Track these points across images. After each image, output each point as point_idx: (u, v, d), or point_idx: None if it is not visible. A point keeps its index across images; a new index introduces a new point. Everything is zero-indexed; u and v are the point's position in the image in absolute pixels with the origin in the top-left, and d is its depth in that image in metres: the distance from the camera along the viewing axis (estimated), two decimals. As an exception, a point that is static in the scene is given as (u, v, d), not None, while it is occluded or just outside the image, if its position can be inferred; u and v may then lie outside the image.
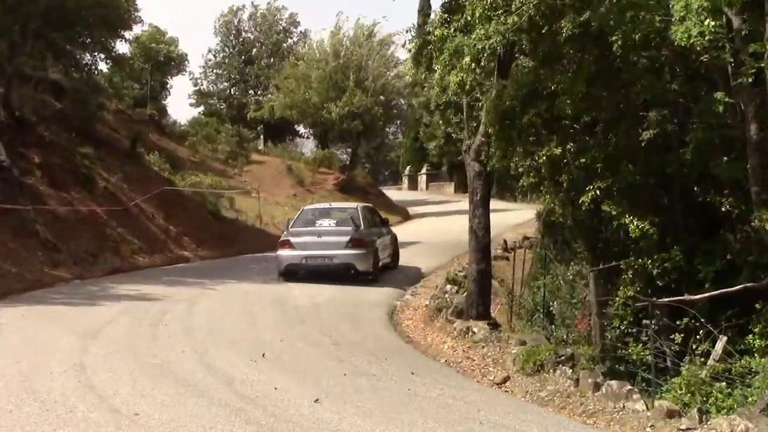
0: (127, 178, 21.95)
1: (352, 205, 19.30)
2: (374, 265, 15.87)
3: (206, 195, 25.41)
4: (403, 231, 29.22)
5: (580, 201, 10.71)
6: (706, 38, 8.27)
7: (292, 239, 15.84)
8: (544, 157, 10.40)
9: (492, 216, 11.91)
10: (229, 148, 37.80)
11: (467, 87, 11.03)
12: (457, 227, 20.94)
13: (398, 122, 50.25)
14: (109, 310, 11.62)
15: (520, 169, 11.90)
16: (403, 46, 12.54)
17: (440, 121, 38.52)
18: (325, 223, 16.20)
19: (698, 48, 8.52)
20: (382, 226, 18.08)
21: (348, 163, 43.51)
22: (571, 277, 13.03)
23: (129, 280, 15.17)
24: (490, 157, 11.28)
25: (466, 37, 10.06)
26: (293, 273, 15.70)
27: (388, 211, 36.82)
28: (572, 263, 13.57)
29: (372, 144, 61.05)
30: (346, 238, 15.56)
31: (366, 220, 16.79)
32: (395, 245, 18.39)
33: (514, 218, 28.11)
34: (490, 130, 11.21)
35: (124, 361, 8.42)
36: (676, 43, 8.61)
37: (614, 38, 9.30)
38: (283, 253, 15.83)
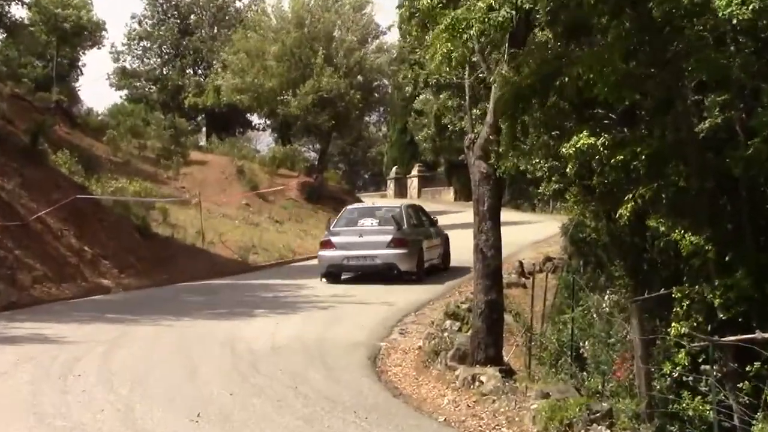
0: (27, 184, 21.78)
1: (396, 203, 24.55)
2: (418, 265, 19.85)
3: (132, 206, 25.26)
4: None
5: (617, 213, 10.74)
6: (750, 7, 8.35)
7: (334, 239, 20.13)
8: (572, 150, 10.38)
9: (504, 231, 11.90)
10: (161, 145, 37.68)
11: (454, 62, 11.07)
12: (458, 245, 21.16)
13: (381, 109, 50.40)
14: (3, 357, 11.46)
15: (539, 173, 11.92)
16: (398, 8, 12.62)
17: (434, 104, 38.14)
18: (368, 223, 20.44)
19: (736, 21, 8.61)
20: (430, 226, 22.07)
21: (317, 163, 43.52)
22: (607, 309, 13.08)
23: (30, 318, 15.01)
24: (500, 154, 11.28)
25: (468, 2, 10.09)
26: (335, 274, 20.21)
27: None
28: (608, 291, 13.62)
29: (347, 138, 61.25)
30: (388, 238, 19.65)
31: (410, 219, 20.84)
32: (446, 246, 22.12)
33: (532, 233, 28.15)
34: (500, 120, 11.23)
35: (23, 423, 8.29)
36: (719, 15, 8.71)
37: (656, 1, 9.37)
38: (325, 253, 20.21)
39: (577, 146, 10.39)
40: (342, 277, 20.49)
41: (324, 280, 20.20)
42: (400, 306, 16.79)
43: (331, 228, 20.86)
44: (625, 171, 10.72)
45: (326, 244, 20.24)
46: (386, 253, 19.52)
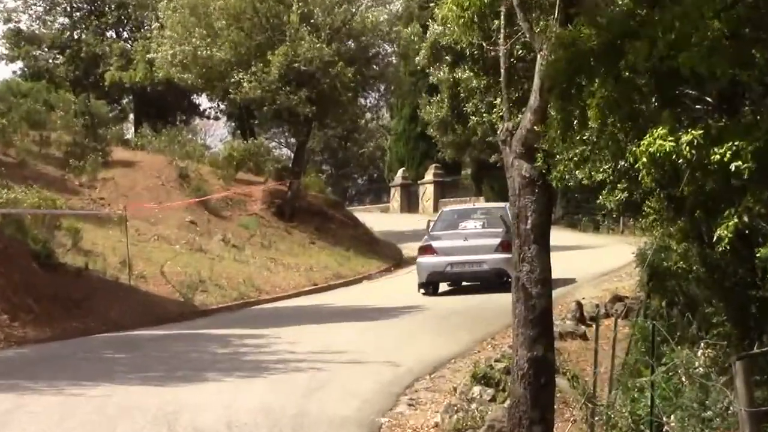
0: None
1: (500, 204, 28.01)
2: None
3: (29, 224, 25.29)
4: (389, 287, 29.22)
5: (715, 234, 10.75)
6: None
7: (435, 244, 25.16)
8: (645, 157, 10.37)
9: (556, 258, 11.95)
10: (70, 138, 37.71)
11: (466, 19, 11.16)
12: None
13: (381, 88, 50.32)
14: None
15: (601, 176, 11.92)
16: None
17: (448, 73, 37.91)
18: (470, 225, 25.64)
19: None
20: None
21: (291, 164, 43.51)
22: (701, 369, 13.10)
23: None
24: (550, 152, 11.30)
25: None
26: (435, 284, 25.34)
27: (364, 251, 36.82)
28: (703, 344, 13.64)
29: (335, 129, 61.24)
30: (497, 241, 24.18)
31: None
32: None
33: (595, 262, 28.25)
34: (549, 102, 11.26)
35: None
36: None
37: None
38: (425, 260, 25.27)
39: (651, 150, 10.28)
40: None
41: (422, 291, 25.22)
42: (408, 365, 16.84)
43: (430, 232, 25.98)
44: (724, 175, 10.73)
45: (427, 250, 25.24)
46: (495, 257, 24.02)
